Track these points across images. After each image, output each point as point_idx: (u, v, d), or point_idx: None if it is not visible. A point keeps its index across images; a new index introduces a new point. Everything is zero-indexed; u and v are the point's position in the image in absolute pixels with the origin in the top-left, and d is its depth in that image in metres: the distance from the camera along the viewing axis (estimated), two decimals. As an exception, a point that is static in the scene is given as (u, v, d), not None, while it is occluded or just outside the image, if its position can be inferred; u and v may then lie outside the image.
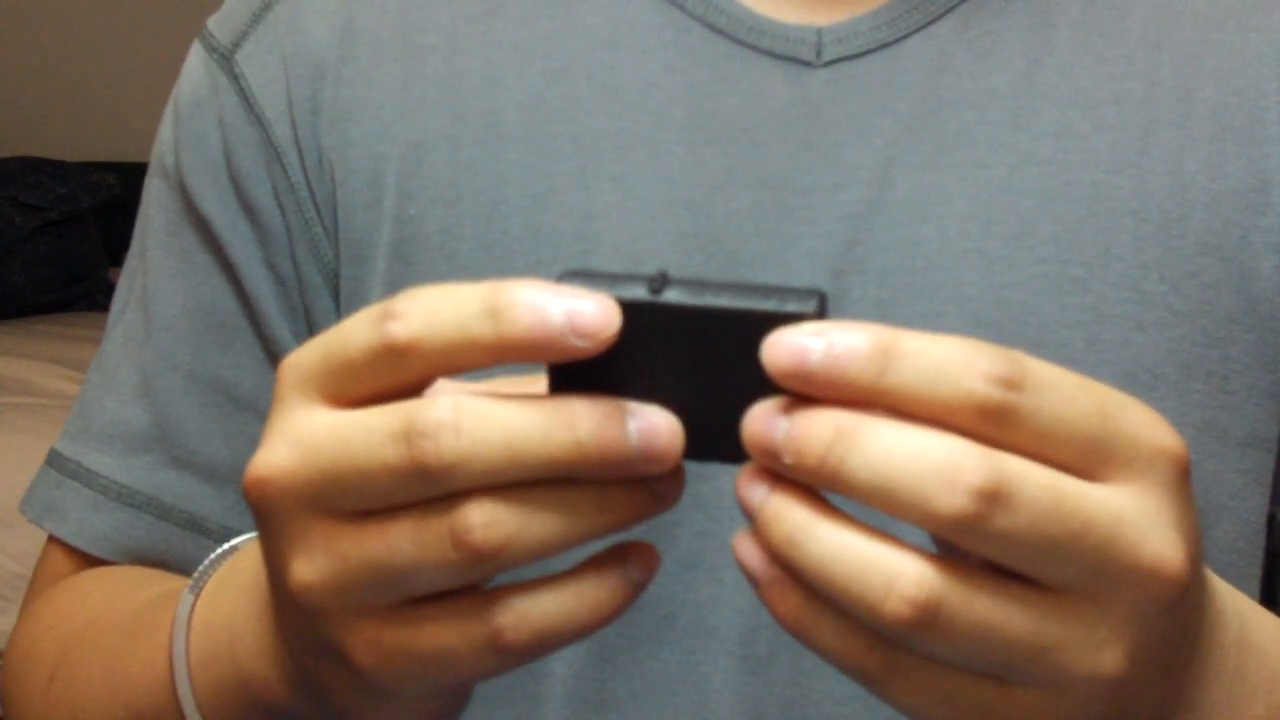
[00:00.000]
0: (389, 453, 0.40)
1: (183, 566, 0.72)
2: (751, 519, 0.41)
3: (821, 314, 0.40)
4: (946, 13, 0.67)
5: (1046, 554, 0.39)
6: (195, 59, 0.73)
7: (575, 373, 0.41)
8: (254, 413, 0.72)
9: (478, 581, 0.42)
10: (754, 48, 0.67)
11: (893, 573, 0.39)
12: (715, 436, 0.41)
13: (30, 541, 2.17)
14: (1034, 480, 0.39)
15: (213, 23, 0.73)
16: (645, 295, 0.40)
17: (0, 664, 0.75)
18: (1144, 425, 0.41)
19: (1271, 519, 0.69)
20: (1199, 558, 0.43)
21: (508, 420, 0.40)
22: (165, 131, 0.74)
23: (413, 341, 0.41)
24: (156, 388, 0.72)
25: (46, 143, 3.41)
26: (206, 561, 0.58)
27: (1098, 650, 0.41)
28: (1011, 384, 0.39)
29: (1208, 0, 0.68)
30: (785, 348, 0.39)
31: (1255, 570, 0.68)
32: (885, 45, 0.67)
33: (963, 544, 0.39)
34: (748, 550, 0.41)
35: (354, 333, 0.42)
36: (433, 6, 0.70)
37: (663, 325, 0.40)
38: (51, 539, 0.75)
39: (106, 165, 3.28)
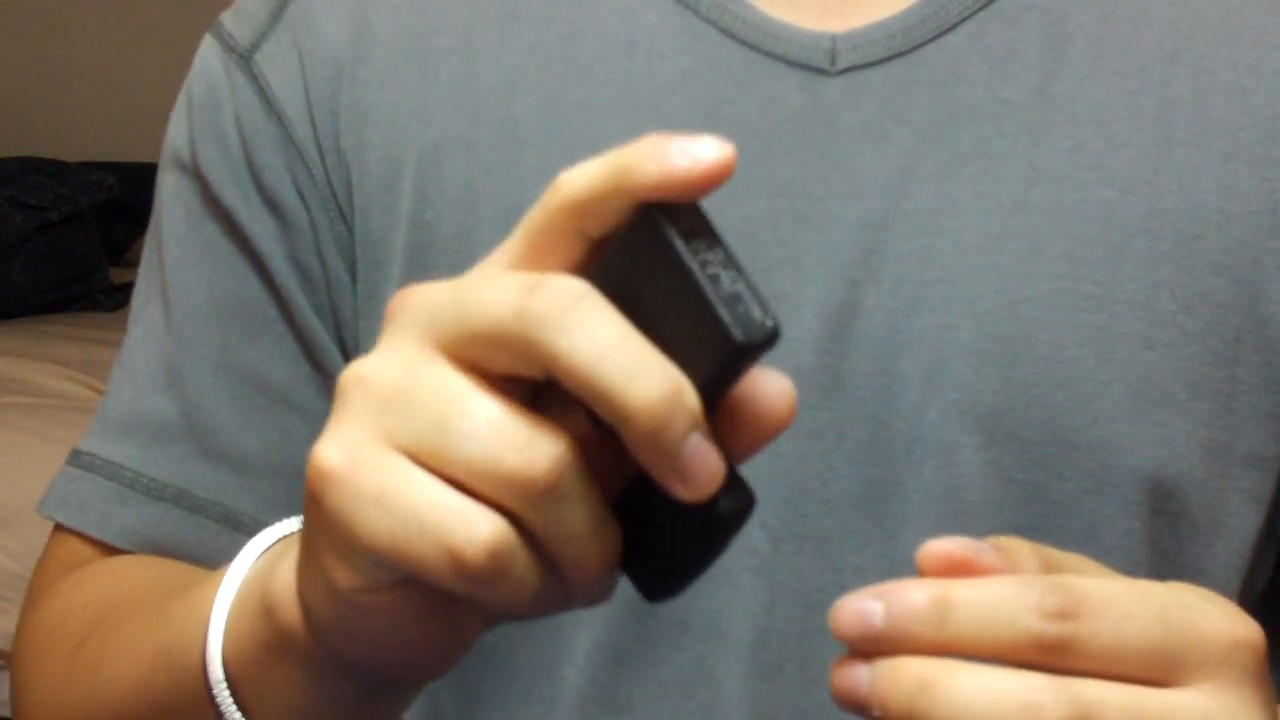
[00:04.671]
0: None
1: (212, 563, 0.70)
2: (860, 703, 0.42)
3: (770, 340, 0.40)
4: (961, 22, 0.67)
5: None
6: (211, 57, 0.72)
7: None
8: (286, 405, 0.71)
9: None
10: (769, 54, 0.67)
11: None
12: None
13: (30, 542, 2.16)
14: (1113, 702, 0.40)
15: (229, 21, 0.73)
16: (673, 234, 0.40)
17: (11, 651, 0.73)
18: (1212, 622, 0.42)
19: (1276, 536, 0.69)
20: None
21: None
22: (179, 127, 0.73)
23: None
24: (183, 379, 0.71)
25: (46, 143, 3.41)
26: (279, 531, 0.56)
27: None
28: (1065, 615, 0.40)
29: (1223, 15, 0.68)
30: (848, 614, 0.41)
31: (1250, 588, 0.69)
32: (900, 54, 0.67)
33: None
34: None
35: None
36: (448, 9, 0.70)
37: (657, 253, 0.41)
38: (63, 529, 0.73)
39: (106, 165, 3.28)
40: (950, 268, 0.65)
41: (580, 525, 0.41)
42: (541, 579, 0.41)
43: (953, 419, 0.64)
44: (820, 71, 0.67)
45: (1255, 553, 0.68)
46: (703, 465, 0.40)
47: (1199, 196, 0.66)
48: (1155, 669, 0.41)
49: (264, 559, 0.54)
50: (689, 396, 0.40)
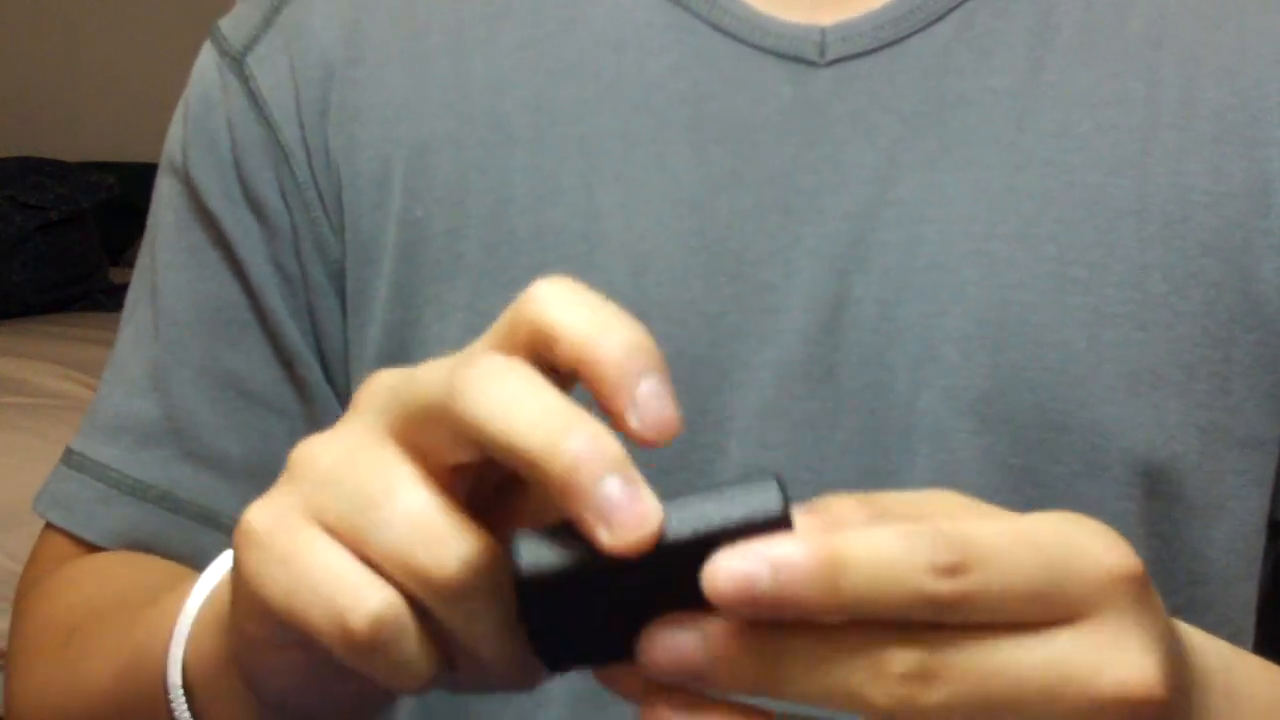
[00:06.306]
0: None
1: (195, 560, 0.72)
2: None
3: (786, 502, 0.39)
4: (949, 12, 0.68)
5: (993, 717, 0.39)
6: (207, 60, 0.73)
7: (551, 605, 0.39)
8: (266, 407, 0.72)
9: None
10: (758, 47, 0.67)
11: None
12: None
13: (31, 542, 2.16)
14: (965, 652, 0.39)
15: (225, 25, 0.74)
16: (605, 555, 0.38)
17: (5, 650, 0.74)
18: (1090, 556, 0.40)
19: (1276, 525, 0.69)
20: (1176, 661, 0.43)
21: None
22: (175, 131, 0.75)
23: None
24: (168, 382, 0.73)
25: (46, 143, 3.41)
26: None
27: None
28: (957, 570, 0.38)
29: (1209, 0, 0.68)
30: (729, 576, 0.37)
31: (1253, 570, 0.68)
32: (888, 45, 0.67)
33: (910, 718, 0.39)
34: None
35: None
36: (439, 8, 0.70)
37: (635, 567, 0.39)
38: (53, 526, 0.75)
39: (106, 165, 3.28)
40: (939, 255, 0.65)
41: (486, 628, 0.41)
42: (433, 662, 0.41)
43: (944, 406, 0.64)
44: (810, 63, 0.67)
45: (1259, 537, 0.68)
46: (625, 508, 0.38)
47: (1187, 178, 0.66)
48: (1037, 612, 0.39)
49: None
50: (605, 441, 0.39)
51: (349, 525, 0.41)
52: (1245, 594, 0.68)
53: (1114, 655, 0.40)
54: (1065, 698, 0.39)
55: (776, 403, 0.65)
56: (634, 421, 0.39)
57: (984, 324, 0.64)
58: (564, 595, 0.39)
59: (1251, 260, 0.66)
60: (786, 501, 0.39)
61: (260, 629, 0.44)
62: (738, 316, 0.65)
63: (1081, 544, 0.40)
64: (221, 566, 0.55)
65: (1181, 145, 0.66)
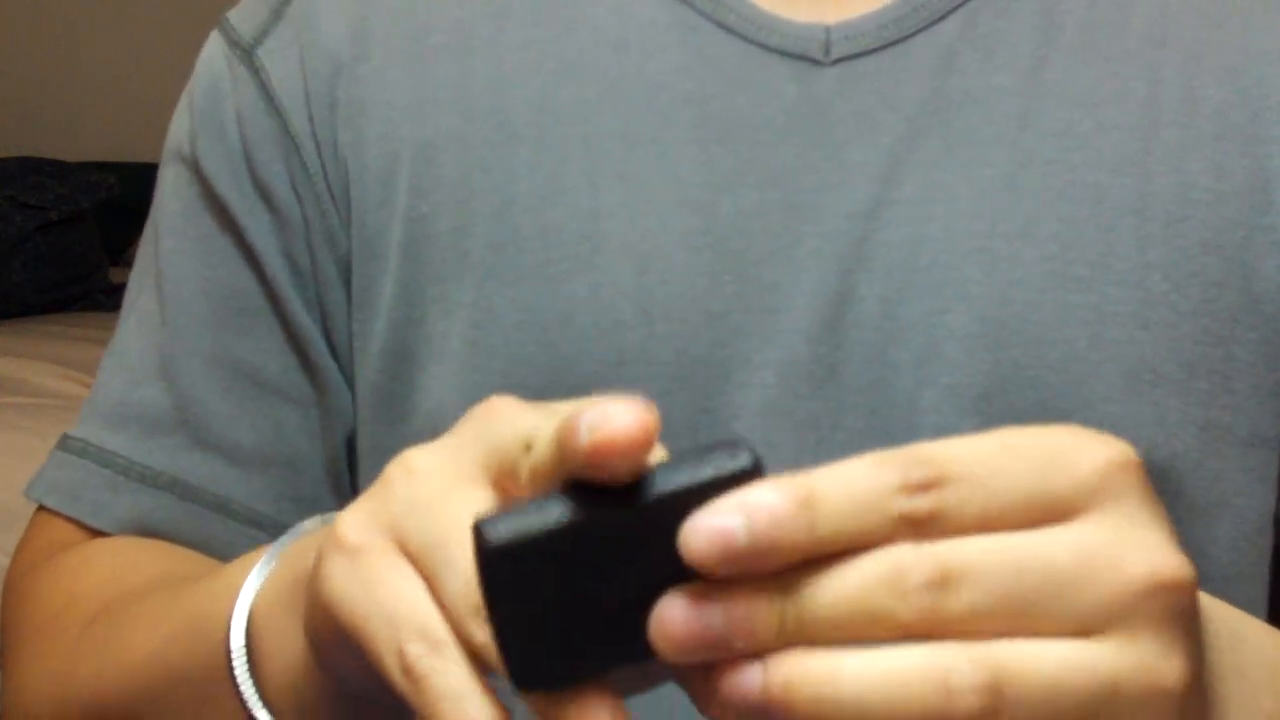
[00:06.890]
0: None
1: (205, 547, 0.72)
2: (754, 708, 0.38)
3: (757, 457, 0.38)
4: (952, 11, 0.68)
5: (1025, 612, 0.38)
6: (215, 51, 0.74)
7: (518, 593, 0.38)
8: (278, 395, 0.72)
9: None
10: (763, 46, 0.67)
11: (942, 672, 0.37)
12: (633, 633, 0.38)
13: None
14: (978, 548, 0.38)
15: (233, 17, 0.74)
16: (573, 516, 0.38)
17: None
18: (1085, 453, 0.39)
19: (1279, 519, 0.69)
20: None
21: None
22: (180, 122, 0.75)
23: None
24: (176, 370, 0.72)
25: (46, 143, 3.41)
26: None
27: (1157, 667, 0.39)
28: (930, 485, 0.38)
29: None
30: (705, 534, 0.37)
31: (1261, 570, 0.68)
32: (892, 43, 0.67)
33: (945, 635, 0.38)
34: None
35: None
36: (443, 6, 0.71)
37: (600, 537, 0.38)
38: (48, 511, 0.74)
39: (106, 165, 3.28)
40: (941, 253, 0.65)
41: None
42: (481, 704, 0.41)
43: (947, 404, 0.64)
44: (814, 62, 0.67)
45: (1264, 536, 0.68)
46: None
47: (1189, 177, 0.66)
48: (1035, 514, 0.39)
49: (306, 540, 0.55)
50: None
51: (426, 561, 0.43)
52: (1250, 593, 0.68)
53: (1134, 538, 0.39)
54: (1094, 585, 0.38)
55: (779, 402, 0.65)
56: (584, 437, 0.37)
57: (986, 322, 0.64)
58: (531, 571, 0.38)
59: (1253, 258, 0.66)
60: (757, 456, 0.38)
61: (328, 633, 0.46)
62: (740, 315, 0.65)
63: (1069, 443, 0.40)
64: (295, 533, 0.56)
65: (1183, 143, 0.66)
